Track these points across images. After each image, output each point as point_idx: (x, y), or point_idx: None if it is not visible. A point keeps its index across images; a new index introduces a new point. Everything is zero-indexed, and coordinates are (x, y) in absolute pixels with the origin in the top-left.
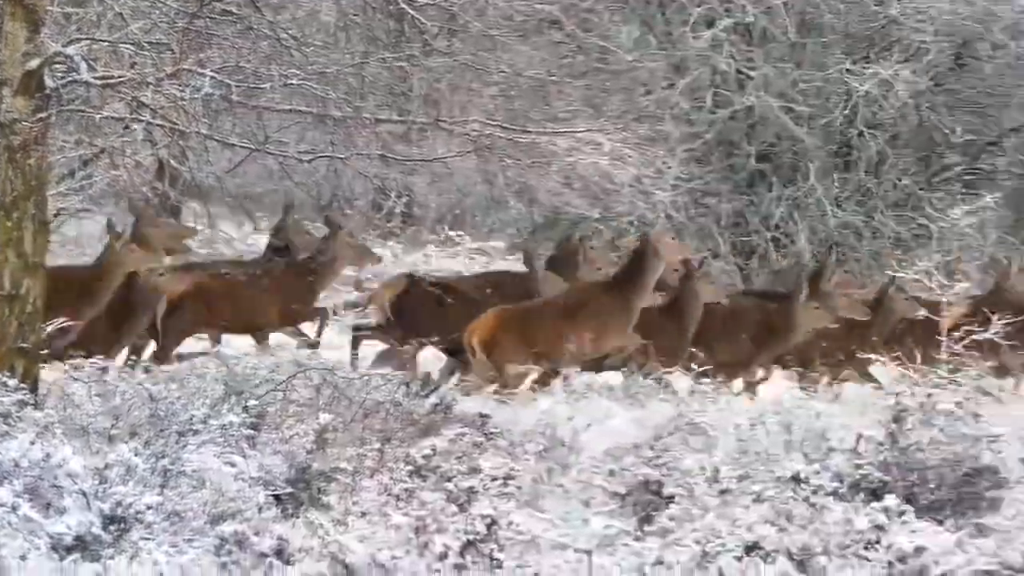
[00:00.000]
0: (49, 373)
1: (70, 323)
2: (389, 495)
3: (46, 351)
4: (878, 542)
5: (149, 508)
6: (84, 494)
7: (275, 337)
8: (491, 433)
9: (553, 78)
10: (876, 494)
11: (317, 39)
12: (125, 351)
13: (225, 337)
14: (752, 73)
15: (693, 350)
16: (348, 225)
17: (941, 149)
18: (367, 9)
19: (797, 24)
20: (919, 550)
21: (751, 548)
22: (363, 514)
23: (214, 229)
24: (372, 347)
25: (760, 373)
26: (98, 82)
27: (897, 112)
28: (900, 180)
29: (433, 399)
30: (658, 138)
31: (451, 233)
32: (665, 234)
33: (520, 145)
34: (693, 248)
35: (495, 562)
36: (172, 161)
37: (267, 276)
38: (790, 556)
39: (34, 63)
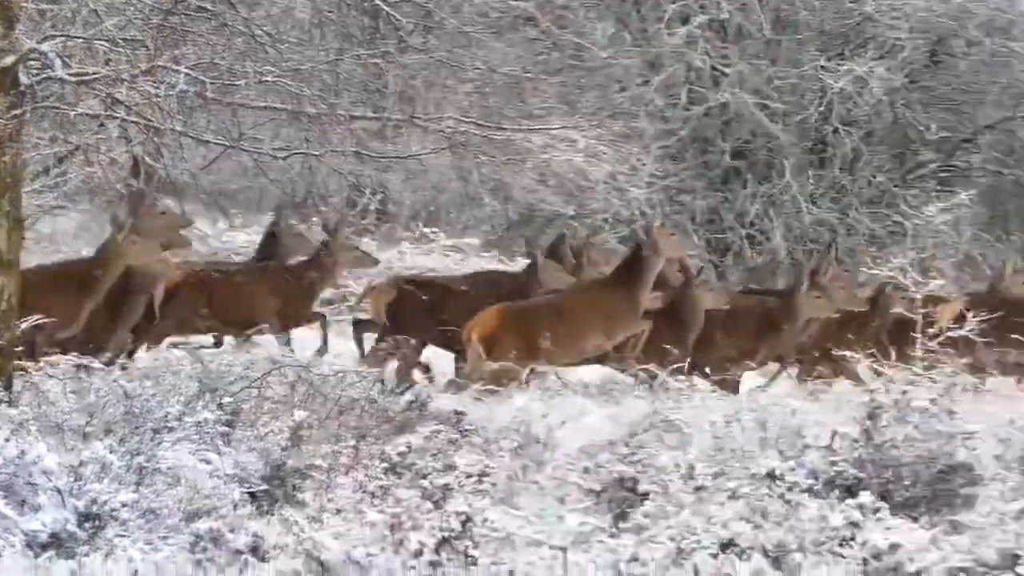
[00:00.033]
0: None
1: (45, 320)
2: (364, 492)
3: (21, 348)
4: (853, 539)
5: (124, 505)
6: (59, 491)
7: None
8: (466, 430)
9: (528, 75)
10: (851, 491)
11: (292, 36)
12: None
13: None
14: (727, 70)
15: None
16: (345, 229)
17: (916, 146)
18: (342, 6)
19: (772, 21)
20: (894, 547)
21: (726, 545)
22: (338, 511)
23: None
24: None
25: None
26: (73, 79)
27: (872, 109)
28: (875, 177)
29: (408, 396)
30: (633, 135)
31: (426, 230)
32: (664, 230)
33: (495, 142)
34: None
35: (470, 559)
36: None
37: (266, 275)
38: (765, 553)
39: (8, 60)
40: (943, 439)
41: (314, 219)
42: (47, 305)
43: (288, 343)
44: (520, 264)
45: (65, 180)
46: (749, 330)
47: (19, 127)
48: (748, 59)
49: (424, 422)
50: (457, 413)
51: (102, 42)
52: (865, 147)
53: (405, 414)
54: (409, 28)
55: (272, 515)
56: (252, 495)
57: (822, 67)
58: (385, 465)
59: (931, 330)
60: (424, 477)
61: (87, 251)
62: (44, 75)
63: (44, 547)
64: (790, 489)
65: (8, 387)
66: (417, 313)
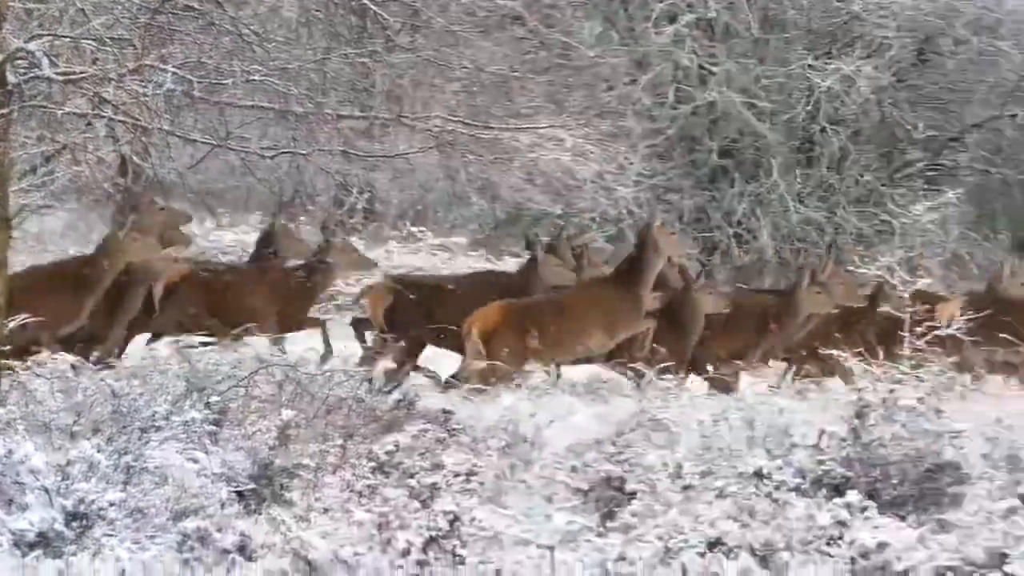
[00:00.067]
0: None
1: (32, 319)
2: (352, 491)
3: (8, 347)
4: (840, 538)
5: (112, 505)
6: (46, 490)
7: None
8: (454, 429)
9: (515, 74)
10: (838, 490)
11: (279, 35)
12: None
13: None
14: (714, 69)
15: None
16: (343, 233)
17: (903, 145)
18: (329, 5)
19: (760, 20)
20: (881, 546)
21: (714, 544)
22: (326, 510)
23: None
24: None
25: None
26: (60, 78)
27: (859, 108)
28: (862, 176)
29: (396, 395)
30: (620, 134)
31: (413, 229)
32: (664, 229)
33: (482, 141)
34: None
35: (458, 558)
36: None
37: (265, 277)
38: (753, 552)
39: None
40: (930, 438)
41: (302, 218)
42: (48, 302)
43: (281, 343)
44: (509, 263)
45: (52, 179)
46: (750, 325)
47: (6, 126)
48: (736, 58)
49: (412, 421)
50: (445, 412)
51: (89, 41)
52: (852, 146)
53: (393, 413)
54: (396, 27)
55: (259, 514)
56: (240, 494)
57: (809, 66)
58: (373, 464)
59: (919, 329)
60: (412, 476)
61: (74, 250)
62: (31, 74)
63: (32, 546)
64: (778, 488)
65: None
66: (414, 316)
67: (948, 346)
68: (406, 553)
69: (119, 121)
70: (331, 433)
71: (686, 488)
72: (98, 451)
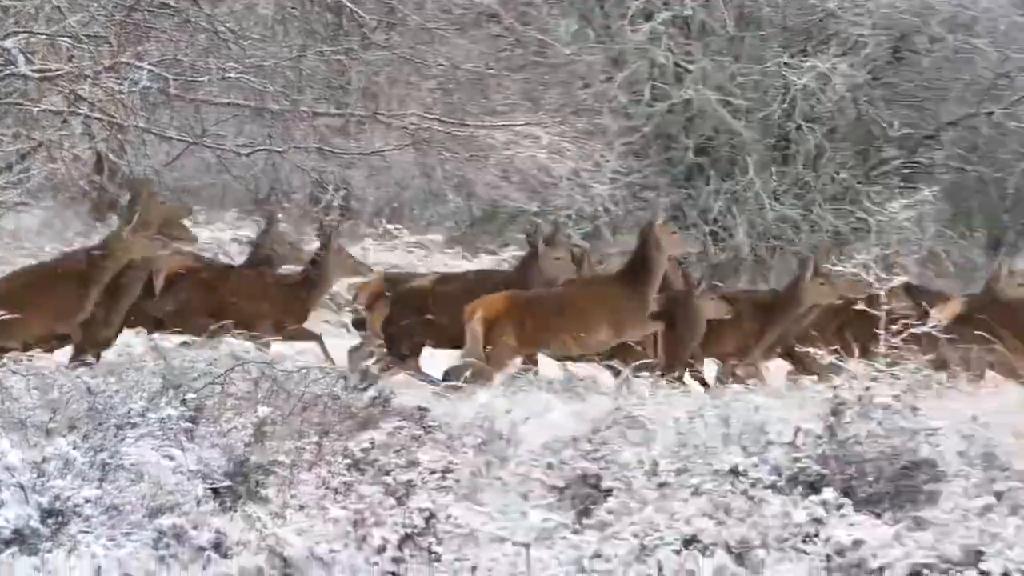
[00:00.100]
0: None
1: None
2: (327, 488)
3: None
4: (816, 535)
5: (87, 502)
6: (22, 487)
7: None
8: (429, 426)
9: (491, 72)
10: (814, 487)
11: (255, 32)
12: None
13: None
14: (690, 66)
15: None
16: (340, 238)
17: (879, 143)
18: (305, 2)
19: (735, 17)
20: (857, 543)
21: (689, 541)
22: (301, 507)
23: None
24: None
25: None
26: (36, 75)
27: (835, 106)
28: (838, 174)
29: (371, 392)
30: (596, 131)
31: (389, 226)
32: (665, 228)
33: (458, 138)
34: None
35: (433, 555)
36: (110, 155)
37: (262, 281)
38: (728, 549)
39: None
40: (906, 435)
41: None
42: (52, 297)
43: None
44: (484, 261)
45: (28, 176)
46: (753, 318)
47: None
48: (711, 56)
49: (387, 418)
50: (420, 409)
51: (65, 38)
52: (828, 144)
53: (368, 410)
54: (372, 25)
55: (235, 511)
56: (215, 491)
57: (785, 64)
58: (348, 461)
59: (895, 326)
60: (387, 473)
61: (50, 247)
62: (7, 71)
63: (7, 543)
64: (753, 485)
65: None
66: (412, 324)
67: (924, 344)
68: (381, 550)
69: (95, 118)
70: (307, 430)
71: (662, 485)
72: (74, 448)
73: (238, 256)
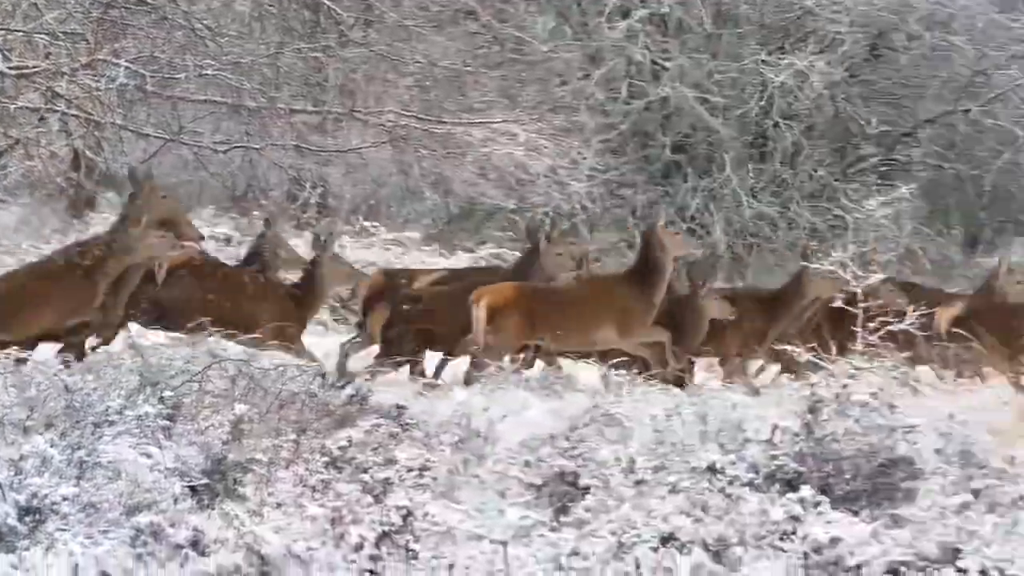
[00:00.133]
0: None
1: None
2: (305, 486)
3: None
4: (794, 533)
5: (65, 499)
6: None
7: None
8: (407, 424)
9: (469, 69)
10: (791, 485)
11: (232, 29)
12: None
13: (140, 328)
14: (667, 64)
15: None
16: (333, 246)
17: (856, 140)
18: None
19: (712, 15)
20: (834, 541)
21: (667, 539)
22: (279, 505)
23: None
24: None
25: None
26: (13, 72)
27: (812, 103)
28: (816, 171)
29: (349, 390)
30: (573, 129)
31: (366, 224)
32: (667, 229)
33: (435, 136)
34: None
35: (411, 553)
36: (87, 151)
37: (265, 286)
38: (706, 547)
39: None
40: (884, 433)
41: (255, 212)
42: (62, 290)
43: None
44: (462, 258)
45: (5, 174)
46: (756, 312)
47: None
48: (688, 53)
49: (365, 416)
50: (398, 407)
51: (42, 35)
52: (806, 141)
53: (346, 408)
54: (350, 22)
55: (212, 509)
56: (193, 489)
57: (762, 61)
58: (326, 459)
59: (872, 324)
60: (365, 471)
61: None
62: None
63: None
64: (731, 483)
65: None
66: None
67: (901, 341)
68: (359, 548)
69: (72, 115)
70: (284, 428)
71: (639, 483)
72: (51, 446)
73: (215, 252)
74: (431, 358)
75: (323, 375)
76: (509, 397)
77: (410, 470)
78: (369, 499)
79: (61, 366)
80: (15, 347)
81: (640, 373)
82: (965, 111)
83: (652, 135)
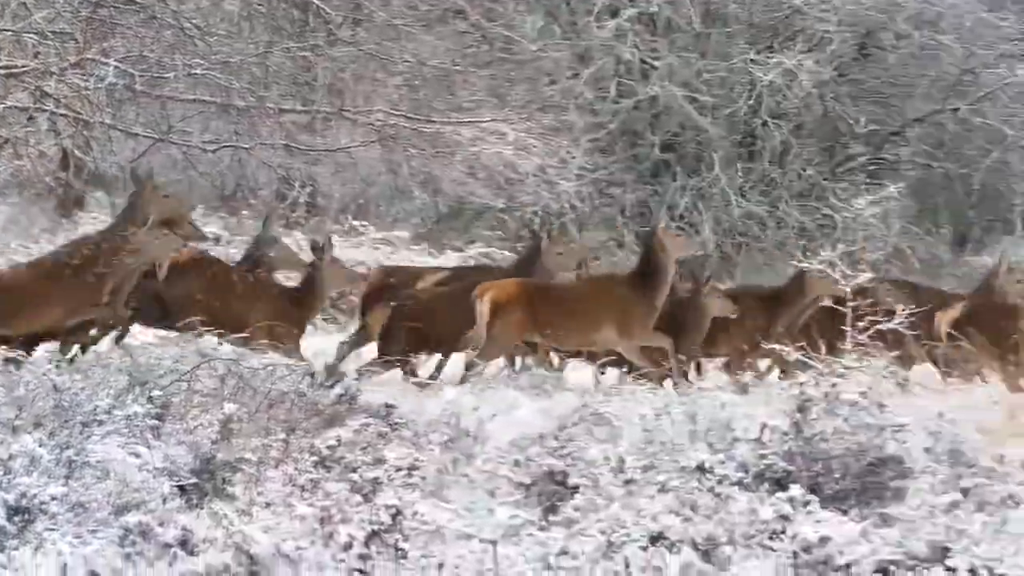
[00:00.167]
0: None
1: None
2: (294, 485)
3: None
4: (783, 532)
5: (53, 499)
6: None
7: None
8: (396, 423)
9: (457, 68)
10: (781, 484)
11: (221, 28)
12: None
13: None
14: (656, 63)
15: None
16: (332, 250)
17: (845, 139)
18: None
19: (701, 14)
20: (824, 540)
21: (656, 538)
22: (268, 504)
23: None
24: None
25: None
26: (1, 72)
27: (801, 102)
28: (804, 170)
29: (338, 389)
30: (562, 128)
31: (355, 223)
32: (669, 232)
33: (424, 135)
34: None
35: (400, 552)
36: (76, 151)
37: (262, 286)
38: (695, 546)
39: None
40: (873, 432)
41: (244, 212)
42: (68, 288)
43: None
44: (451, 257)
45: None
46: (758, 310)
47: None
48: (677, 52)
49: (354, 415)
50: (387, 406)
51: (31, 35)
52: (794, 140)
53: (335, 407)
54: (338, 21)
55: (201, 509)
56: (181, 488)
57: (751, 60)
58: (315, 458)
59: (861, 323)
60: (354, 470)
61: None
62: None
63: None
64: (720, 482)
65: None
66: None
67: (890, 340)
68: (348, 547)
69: (61, 115)
70: (273, 427)
71: (628, 482)
72: (40, 445)
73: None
74: (429, 358)
75: (312, 374)
76: (498, 396)
77: (399, 469)
78: (358, 498)
79: (50, 365)
80: (12, 345)
81: (628, 372)
82: (954, 110)
83: (641, 134)
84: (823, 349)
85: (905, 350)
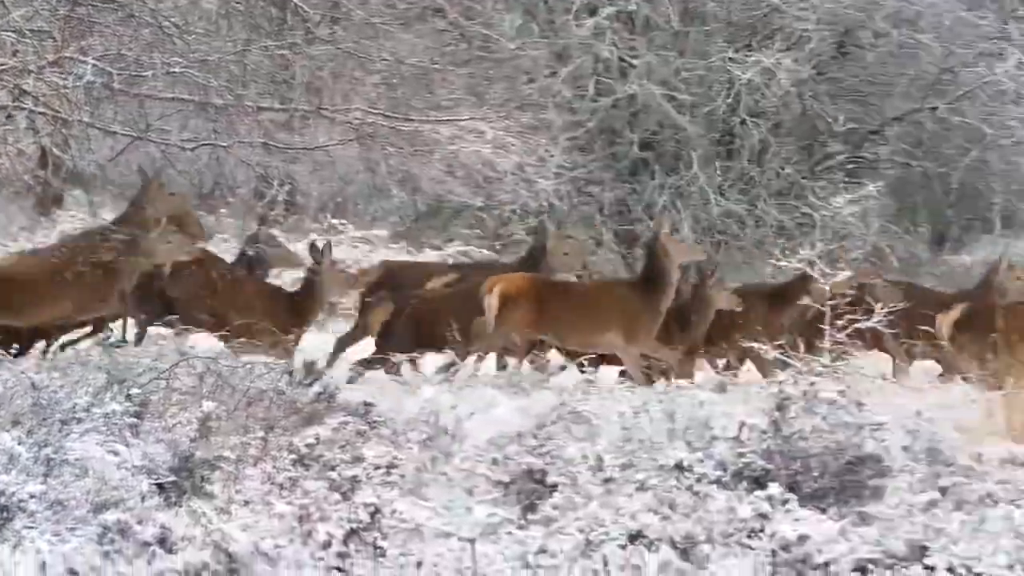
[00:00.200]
0: None
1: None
2: (272, 484)
3: None
4: (761, 530)
5: (32, 497)
6: None
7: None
8: (374, 422)
9: (436, 66)
10: (759, 482)
11: (199, 27)
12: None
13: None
14: (635, 61)
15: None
16: (331, 254)
17: (824, 138)
18: None
19: (680, 12)
20: (802, 538)
21: (635, 536)
22: (246, 503)
23: (95, 218)
24: None
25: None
26: None
27: (780, 100)
28: (783, 169)
29: (316, 388)
30: (541, 126)
31: (334, 221)
32: (671, 237)
33: (403, 133)
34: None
35: (378, 550)
36: (54, 149)
37: (262, 288)
38: (674, 544)
39: None
40: (851, 430)
41: (222, 210)
42: (79, 285)
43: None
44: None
45: None
46: (765, 307)
47: None
48: (656, 50)
49: (332, 414)
50: (366, 404)
51: (9, 33)
52: (773, 139)
53: (313, 406)
54: (316, 19)
55: (180, 507)
56: (160, 486)
57: (730, 58)
58: (293, 456)
59: (840, 322)
60: (332, 469)
61: None
62: None
63: None
64: (698, 480)
65: None
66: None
67: (868, 339)
68: (327, 545)
69: (39, 113)
70: (252, 425)
71: (607, 481)
72: (18, 443)
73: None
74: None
75: (290, 372)
76: (476, 395)
77: (378, 467)
78: (337, 496)
79: (29, 363)
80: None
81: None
82: (932, 109)
83: (619, 132)
84: (802, 348)
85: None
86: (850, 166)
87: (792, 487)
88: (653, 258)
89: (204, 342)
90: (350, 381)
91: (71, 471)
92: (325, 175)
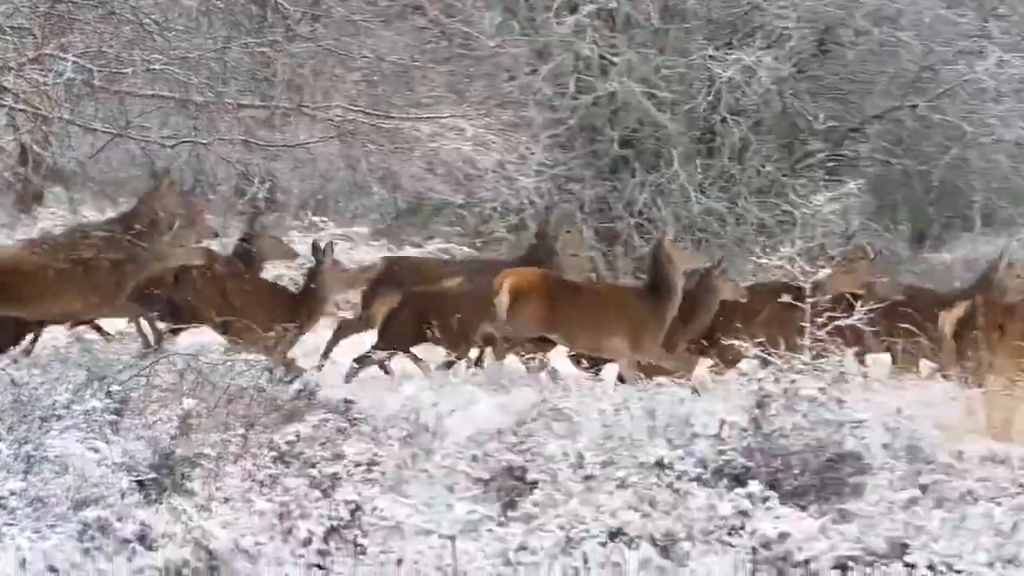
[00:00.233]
0: None
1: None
2: (253, 481)
3: None
4: (742, 528)
5: (12, 494)
6: None
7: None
8: (355, 419)
9: (416, 64)
10: (739, 480)
11: (179, 24)
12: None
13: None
14: (615, 59)
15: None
16: (333, 254)
17: (804, 135)
18: None
19: (660, 10)
20: (783, 536)
21: (615, 534)
22: (226, 500)
23: (76, 215)
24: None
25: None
26: None
27: (760, 98)
28: (763, 166)
29: (297, 385)
30: (521, 124)
31: (315, 219)
32: (675, 244)
33: (383, 131)
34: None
35: (359, 548)
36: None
37: (264, 289)
38: (654, 542)
39: None
40: (832, 428)
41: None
42: (90, 283)
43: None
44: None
45: None
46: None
47: None
48: (636, 48)
49: (313, 411)
50: (346, 402)
51: None
52: (753, 136)
53: (294, 403)
54: (297, 16)
55: (160, 504)
56: (140, 484)
57: (710, 56)
58: (274, 454)
59: (820, 319)
60: (313, 466)
61: None
62: None
63: None
64: (679, 478)
65: None
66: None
67: (849, 336)
68: (307, 543)
69: (19, 110)
70: (232, 423)
71: (587, 478)
72: None
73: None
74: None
75: (270, 370)
76: (457, 392)
77: (358, 465)
78: (317, 494)
79: (8, 360)
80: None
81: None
82: (912, 107)
83: (600, 130)
84: (782, 345)
85: (864, 346)
86: (830, 164)
87: (772, 484)
88: (658, 266)
89: (184, 339)
90: (348, 380)
91: (51, 468)
92: (306, 172)
